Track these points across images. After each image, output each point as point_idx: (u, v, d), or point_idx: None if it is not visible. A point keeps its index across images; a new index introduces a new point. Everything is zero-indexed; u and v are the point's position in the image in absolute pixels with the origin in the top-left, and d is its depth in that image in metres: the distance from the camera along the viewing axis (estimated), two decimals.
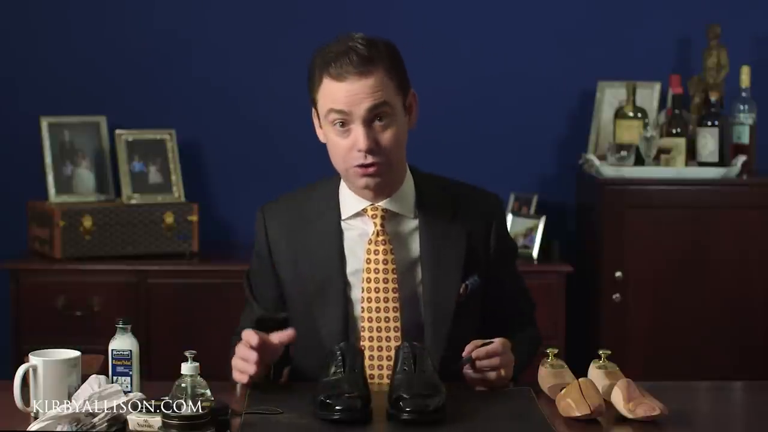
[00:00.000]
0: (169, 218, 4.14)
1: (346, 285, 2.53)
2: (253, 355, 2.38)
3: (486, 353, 2.41)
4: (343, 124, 2.43)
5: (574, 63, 4.38)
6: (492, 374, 2.41)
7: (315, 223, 2.57)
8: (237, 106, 4.40)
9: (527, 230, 4.17)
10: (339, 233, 2.55)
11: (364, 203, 2.54)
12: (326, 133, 2.49)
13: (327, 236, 2.55)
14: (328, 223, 2.56)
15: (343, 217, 2.56)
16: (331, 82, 2.42)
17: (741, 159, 4.05)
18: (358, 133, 2.42)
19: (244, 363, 2.39)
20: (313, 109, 2.52)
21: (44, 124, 4.18)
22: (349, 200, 2.55)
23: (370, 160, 2.43)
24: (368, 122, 2.42)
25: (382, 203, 2.53)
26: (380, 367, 2.51)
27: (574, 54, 4.38)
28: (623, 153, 4.07)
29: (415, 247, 2.55)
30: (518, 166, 4.39)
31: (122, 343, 2.33)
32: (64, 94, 4.35)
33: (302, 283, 2.56)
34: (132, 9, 4.37)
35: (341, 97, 2.41)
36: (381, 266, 2.52)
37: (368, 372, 2.46)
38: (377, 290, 2.52)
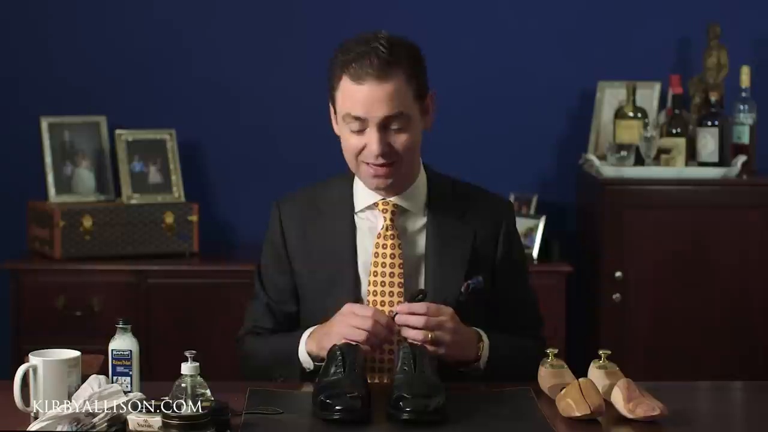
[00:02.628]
0: (169, 218, 4.14)
1: (357, 279, 2.55)
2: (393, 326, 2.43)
3: (408, 309, 2.41)
4: (359, 127, 2.46)
5: (574, 63, 4.38)
6: (414, 333, 2.39)
7: (329, 216, 2.60)
8: (237, 106, 4.40)
9: (527, 230, 4.17)
10: (352, 227, 2.58)
11: (376, 197, 2.57)
12: (341, 129, 2.52)
13: (340, 230, 2.58)
14: (341, 217, 2.59)
15: (356, 210, 2.59)
16: (349, 83, 2.45)
17: (741, 159, 4.04)
18: (372, 137, 2.45)
19: (379, 329, 2.40)
20: (330, 102, 2.54)
21: (44, 124, 4.18)
22: (362, 193, 2.58)
23: (381, 161, 2.47)
24: (383, 127, 2.46)
25: (393, 198, 2.57)
26: (380, 365, 2.51)
27: (574, 54, 4.38)
28: (623, 153, 4.07)
29: (422, 244, 2.58)
30: (518, 166, 4.39)
31: (122, 343, 2.33)
32: (64, 94, 4.35)
33: (314, 274, 2.58)
34: (132, 9, 4.37)
35: (359, 101, 2.44)
36: (388, 260, 2.54)
37: (368, 371, 2.46)
38: (383, 284, 2.53)
